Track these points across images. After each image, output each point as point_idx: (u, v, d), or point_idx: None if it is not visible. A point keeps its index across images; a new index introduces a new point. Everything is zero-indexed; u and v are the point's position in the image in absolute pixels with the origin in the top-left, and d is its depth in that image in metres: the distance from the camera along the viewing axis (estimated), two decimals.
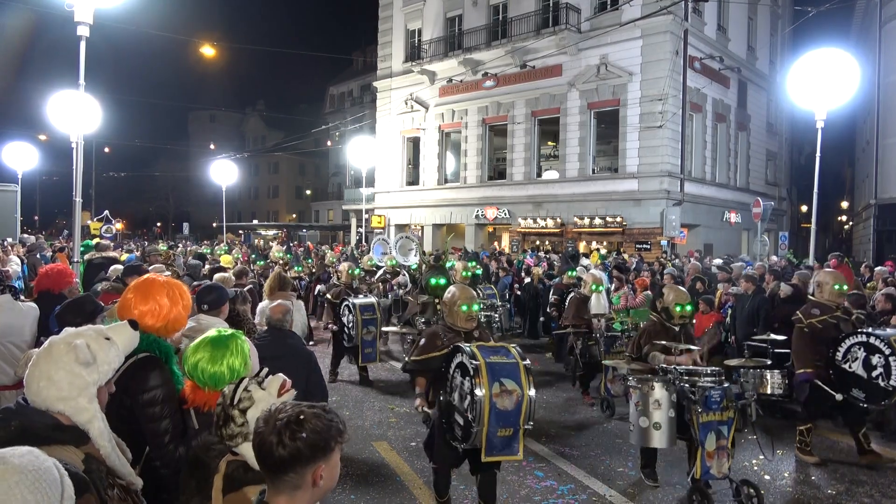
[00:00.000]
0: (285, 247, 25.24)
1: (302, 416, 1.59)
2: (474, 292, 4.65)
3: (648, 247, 20.66)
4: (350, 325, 8.61)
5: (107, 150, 46.07)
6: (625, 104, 21.88)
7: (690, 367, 5.07)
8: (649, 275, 12.50)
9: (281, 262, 15.79)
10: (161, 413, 2.52)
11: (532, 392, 3.87)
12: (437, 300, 7.72)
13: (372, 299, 9.01)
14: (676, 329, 5.44)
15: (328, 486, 1.63)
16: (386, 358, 10.53)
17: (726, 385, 4.81)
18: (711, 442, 4.71)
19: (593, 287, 8.39)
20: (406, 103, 28.82)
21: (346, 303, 8.76)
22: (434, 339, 4.53)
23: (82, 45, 7.88)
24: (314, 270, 15.30)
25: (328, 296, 9.42)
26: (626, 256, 17.52)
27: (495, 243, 25.87)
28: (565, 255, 18.17)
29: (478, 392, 3.74)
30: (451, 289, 4.68)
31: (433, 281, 8.04)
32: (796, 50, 25.45)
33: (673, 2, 19.45)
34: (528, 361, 4.04)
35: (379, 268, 13.61)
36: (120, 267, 6.71)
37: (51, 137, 30.73)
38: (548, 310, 11.09)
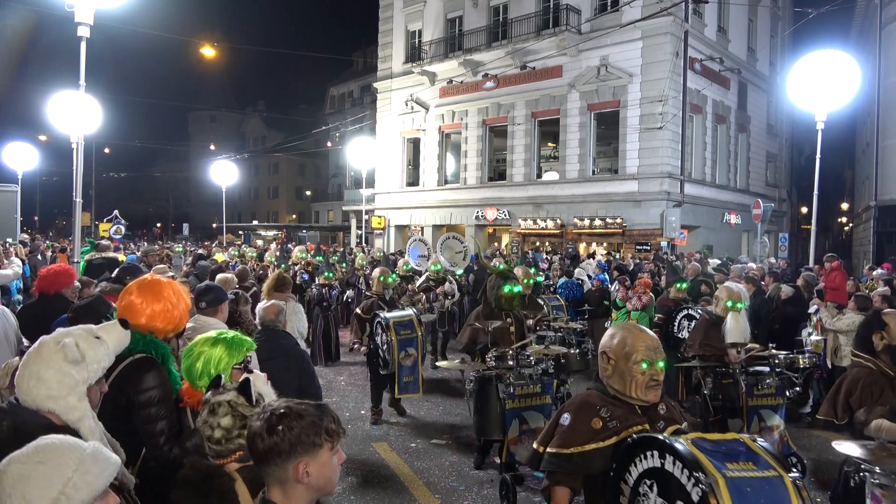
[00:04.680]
0: (313, 249, 24.26)
1: (283, 412, 1.61)
2: (656, 337, 2.59)
3: (648, 248, 20.65)
4: (384, 347, 6.91)
5: (107, 150, 46.06)
6: (625, 105, 21.88)
7: None
8: (649, 276, 12.48)
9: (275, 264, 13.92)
10: (157, 414, 2.52)
11: None
12: (509, 320, 6.03)
13: (409, 312, 7.24)
14: None
15: (319, 483, 1.62)
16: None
17: None
18: None
19: (729, 304, 6.02)
20: (406, 104, 28.85)
21: (377, 319, 7.05)
22: (587, 417, 2.45)
23: (83, 45, 7.89)
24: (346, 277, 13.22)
25: (358, 310, 7.90)
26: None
27: (496, 244, 25.86)
28: (669, 262, 14.62)
29: None
30: (616, 331, 2.58)
31: (507, 288, 5.96)
32: (796, 51, 25.46)
33: (673, 3, 19.47)
34: (797, 474, 2.03)
35: (418, 273, 11.43)
36: None
37: (51, 138, 30.72)
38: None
